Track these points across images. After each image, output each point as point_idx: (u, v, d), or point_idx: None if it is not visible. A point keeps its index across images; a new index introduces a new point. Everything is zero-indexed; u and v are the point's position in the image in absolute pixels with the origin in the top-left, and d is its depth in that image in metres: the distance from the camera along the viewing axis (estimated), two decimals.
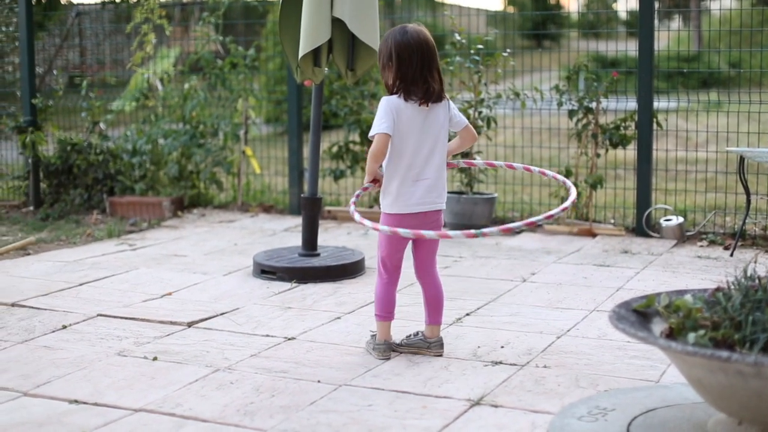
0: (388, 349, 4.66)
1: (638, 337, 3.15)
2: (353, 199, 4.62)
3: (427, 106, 4.52)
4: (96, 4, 13.18)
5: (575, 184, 8.18)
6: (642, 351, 4.62)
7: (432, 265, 4.79)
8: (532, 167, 4.84)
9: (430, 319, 4.73)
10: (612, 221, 8.32)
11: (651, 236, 7.79)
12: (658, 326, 3.38)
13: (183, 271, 6.72)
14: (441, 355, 4.65)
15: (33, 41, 9.83)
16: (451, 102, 4.65)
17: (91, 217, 9.05)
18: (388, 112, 4.48)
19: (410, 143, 4.51)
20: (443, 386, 4.14)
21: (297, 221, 8.63)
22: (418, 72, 4.50)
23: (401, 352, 4.70)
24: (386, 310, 4.70)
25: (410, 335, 4.77)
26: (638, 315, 3.40)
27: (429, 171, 4.55)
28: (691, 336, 3.16)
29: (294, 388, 4.13)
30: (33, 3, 10.03)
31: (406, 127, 4.50)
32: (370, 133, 4.50)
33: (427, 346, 4.70)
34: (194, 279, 6.45)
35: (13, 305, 5.72)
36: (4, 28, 10.80)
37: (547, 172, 4.77)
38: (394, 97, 4.52)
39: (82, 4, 12.74)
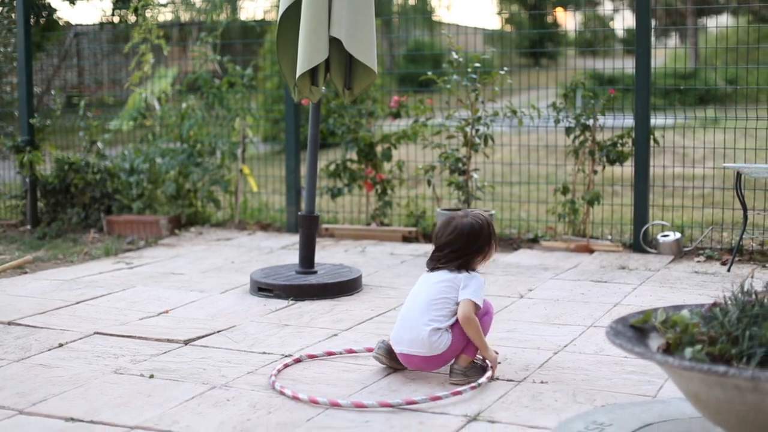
0: (382, 348, 4.64)
1: (635, 353, 3.15)
2: None
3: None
4: (94, 24, 13.20)
5: (572, 201, 8.19)
6: (639, 366, 4.61)
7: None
8: None
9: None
10: (609, 237, 8.32)
11: (648, 252, 7.79)
12: (655, 341, 3.38)
13: (180, 289, 6.72)
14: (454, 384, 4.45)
15: (31, 61, 9.85)
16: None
17: (88, 235, 9.05)
18: None
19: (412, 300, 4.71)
20: (439, 402, 4.13)
21: (294, 239, 8.62)
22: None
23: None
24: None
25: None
26: (635, 330, 3.40)
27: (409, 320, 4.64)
28: (688, 351, 3.16)
29: (291, 405, 4.12)
30: (31, 24, 10.04)
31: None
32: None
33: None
34: (191, 297, 6.44)
35: (9, 324, 5.71)
36: (2, 49, 10.82)
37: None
38: None
39: (80, 25, 12.76)
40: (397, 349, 4.58)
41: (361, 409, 4.04)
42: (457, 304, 4.52)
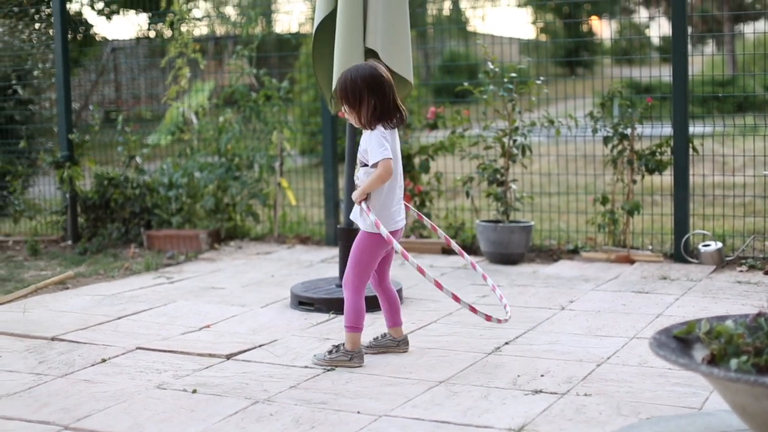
0: (363, 356, 5.09)
1: (679, 364, 3.13)
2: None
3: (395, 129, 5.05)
4: (130, 39, 13.30)
5: (612, 211, 8.16)
6: (684, 378, 4.58)
7: (389, 275, 5.34)
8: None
9: (396, 321, 5.28)
10: (650, 248, 8.27)
11: (690, 262, 7.74)
12: (700, 353, 3.35)
13: (221, 303, 6.74)
14: (407, 351, 5.25)
15: (69, 77, 9.92)
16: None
17: (128, 250, 9.09)
18: (383, 139, 4.90)
19: (398, 167, 5.01)
20: (483, 416, 4.12)
21: (334, 252, 8.63)
22: (392, 101, 4.96)
23: (368, 353, 5.19)
24: (363, 322, 5.09)
25: (377, 337, 5.32)
26: (679, 341, 3.38)
27: (401, 192, 5.14)
28: (734, 362, 3.13)
29: (334, 420, 4.12)
30: (69, 40, 10.12)
31: (395, 153, 4.97)
32: (374, 160, 4.87)
33: (396, 344, 5.27)
34: (232, 311, 6.46)
35: (52, 339, 5.75)
36: (41, 65, 10.91)
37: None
38: (381, 126, 4.94)
39: (117, 40, 12.85)
40: (401, 225, 5.12)
41: (404, 423, 4.04)
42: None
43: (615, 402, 4.26)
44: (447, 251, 8.60)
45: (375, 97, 4.90)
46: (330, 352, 5.03)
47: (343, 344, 5.03)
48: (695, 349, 3.38)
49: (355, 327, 5.02)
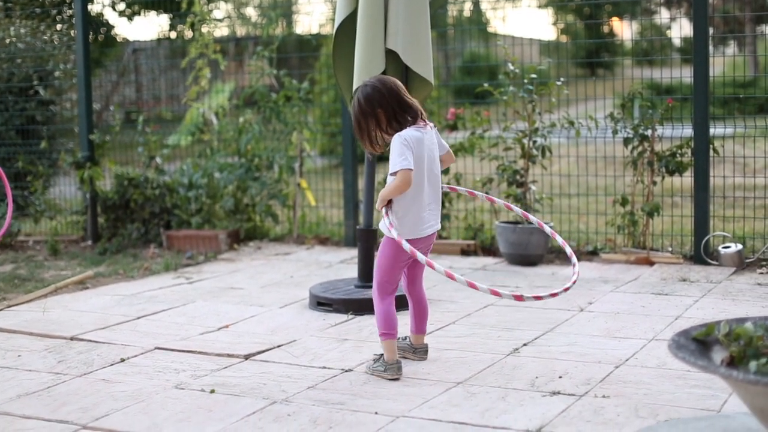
0: (401, 367, 4.83)
1: (698, 366, 3.11)
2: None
3: (425, 124, 4.88)
4: (152, 40, 13.33)
5: (631, 213, 8.13)
6: (702, 380, 4.56)
7: (422, 280, 5.21)
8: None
9: (419, 328, 5.13)
10: (669, 249, 8.24)
11: (709, 264, 7.71)
12: (719, 355, 3.33)
13: (239, 303, 6.74)
14: (425, 360, 5.09)
15: (90, 78, 9.94)
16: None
17: (148, 251, 9.11)
18: (403, 147, 4.70)
19: (434, 168, 4.87)
20: (501, 417, 4.11)
21: (353, 253, 8.63)
22: (398, 102, 4.83)
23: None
24: (395, 328, 4.90)
25: (398, 338, 5.04)
26: (698, 343, 3.36)
27: (434, 195, 4.92)
28: (753, 364, 3.12)
29: (351, 420, 4.12)
30: (90, 41, 10.15)
31: (420, 158, 4.77)
32: (393, 169, 4.69)
33: (413, 350, 5.12)
34: (251, 312, 6.46)
35: (72, 339, 5.77)
36: (62, 66, 10.95)
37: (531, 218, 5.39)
38: (407, 129, 4.78)
39: (138, 41, 12.89)
40: (430, 232, 4.90)
41: (421, 423, 4.03)
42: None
43: (633, 404, 4.25)
44: (466, 252, 8.59)
45: (380, 107, 4.77)
46: (375, 361, 4.91)
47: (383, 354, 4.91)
48: (714, 351, 3.36)
49: (387, 333, 4.86)
